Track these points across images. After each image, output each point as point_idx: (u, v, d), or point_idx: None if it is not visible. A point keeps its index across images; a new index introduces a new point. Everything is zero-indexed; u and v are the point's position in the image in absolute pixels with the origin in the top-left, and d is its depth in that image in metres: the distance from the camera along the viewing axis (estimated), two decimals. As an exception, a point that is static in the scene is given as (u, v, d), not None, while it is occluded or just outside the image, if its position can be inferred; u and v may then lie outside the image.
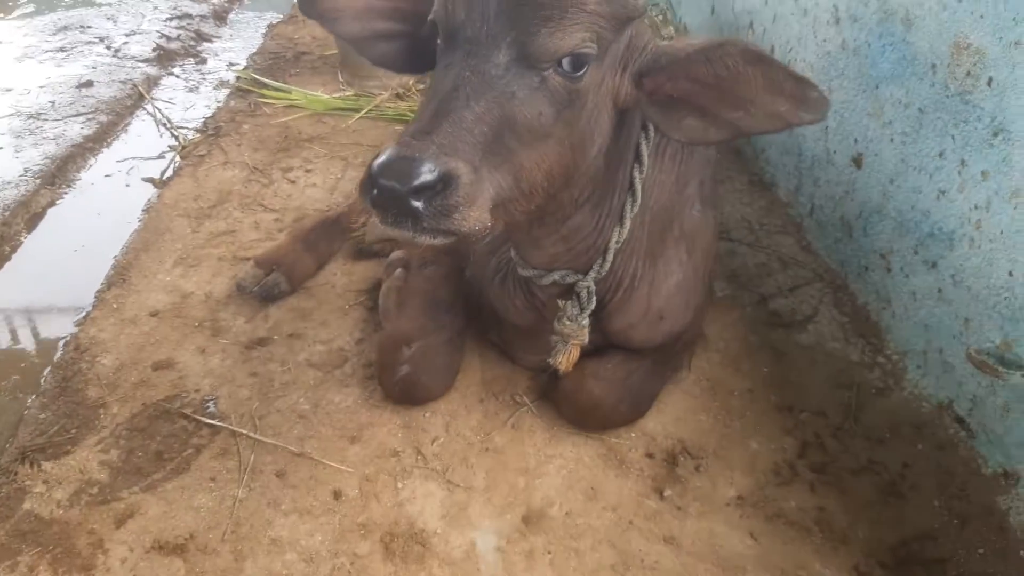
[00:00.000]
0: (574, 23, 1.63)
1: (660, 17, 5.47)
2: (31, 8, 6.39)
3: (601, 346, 2.51)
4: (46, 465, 2.46)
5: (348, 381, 2.80)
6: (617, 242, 2.21)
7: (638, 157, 2.14)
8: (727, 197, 3.89)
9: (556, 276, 2.27)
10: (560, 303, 2.33)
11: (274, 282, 3.17)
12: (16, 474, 2.42)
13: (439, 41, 1.78)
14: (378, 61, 2.12)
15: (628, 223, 2.19)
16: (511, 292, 2.51)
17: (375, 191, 1.51)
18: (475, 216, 1.55)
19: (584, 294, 2.28)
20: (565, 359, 2.37)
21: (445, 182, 1.48)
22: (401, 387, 2.59)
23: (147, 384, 2.79)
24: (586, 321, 2.31)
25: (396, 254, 3.02)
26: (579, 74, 1.70)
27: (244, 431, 2.58)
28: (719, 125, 1.76)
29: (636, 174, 2.15)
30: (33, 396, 2.77)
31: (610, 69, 1.81)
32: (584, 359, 2.44)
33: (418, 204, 1.47)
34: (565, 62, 1.67)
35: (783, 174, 3.83)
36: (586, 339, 2.34)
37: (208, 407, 2.69)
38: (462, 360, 2.75)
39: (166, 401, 2.72)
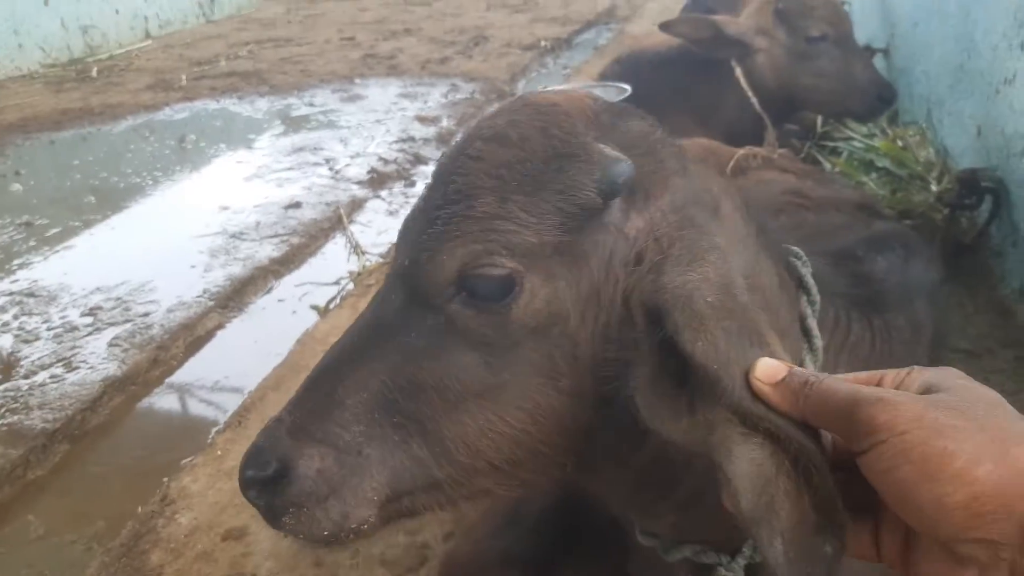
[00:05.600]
0: (456, 235, 1.08)
1: (916, 137, 4.52)
2: (280, 130, 6.88)
3: None
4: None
5: (415, 594, 2.25)
6: None
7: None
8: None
9: (688, 552, 1.41)
10: None
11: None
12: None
13: None
14: None
15: None
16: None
17: None
18: (331, 517, 1.12)
19: None
20: None
21: (280, 474, 1.12)
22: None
23: (208, 558, 2.45)
24: None
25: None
26: (504, 301, 1.08)
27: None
28: None
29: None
30: (101, 551, 2.55)
31: (611, 271, 1.11)
32: None
33: (259, 503, 1.14)
34: (479, 288, 1.09)
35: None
36: None
37: (254, 602, 2.28)
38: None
39: (217, 585, 2.35)
